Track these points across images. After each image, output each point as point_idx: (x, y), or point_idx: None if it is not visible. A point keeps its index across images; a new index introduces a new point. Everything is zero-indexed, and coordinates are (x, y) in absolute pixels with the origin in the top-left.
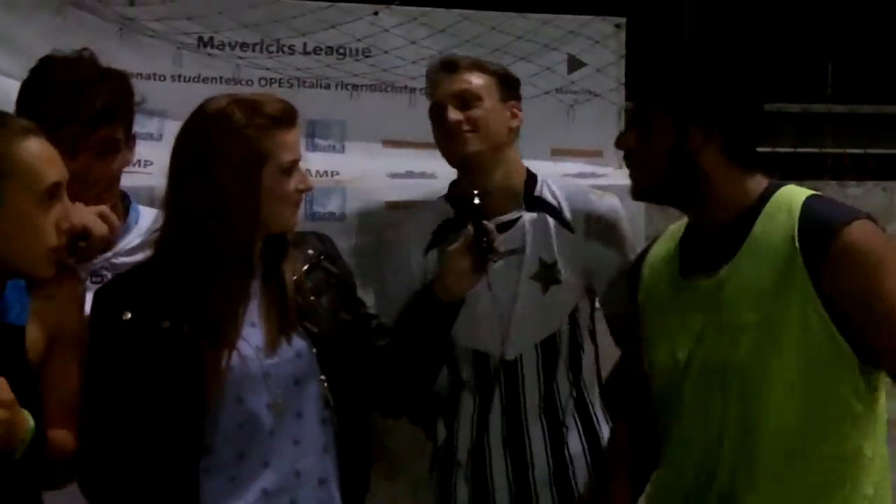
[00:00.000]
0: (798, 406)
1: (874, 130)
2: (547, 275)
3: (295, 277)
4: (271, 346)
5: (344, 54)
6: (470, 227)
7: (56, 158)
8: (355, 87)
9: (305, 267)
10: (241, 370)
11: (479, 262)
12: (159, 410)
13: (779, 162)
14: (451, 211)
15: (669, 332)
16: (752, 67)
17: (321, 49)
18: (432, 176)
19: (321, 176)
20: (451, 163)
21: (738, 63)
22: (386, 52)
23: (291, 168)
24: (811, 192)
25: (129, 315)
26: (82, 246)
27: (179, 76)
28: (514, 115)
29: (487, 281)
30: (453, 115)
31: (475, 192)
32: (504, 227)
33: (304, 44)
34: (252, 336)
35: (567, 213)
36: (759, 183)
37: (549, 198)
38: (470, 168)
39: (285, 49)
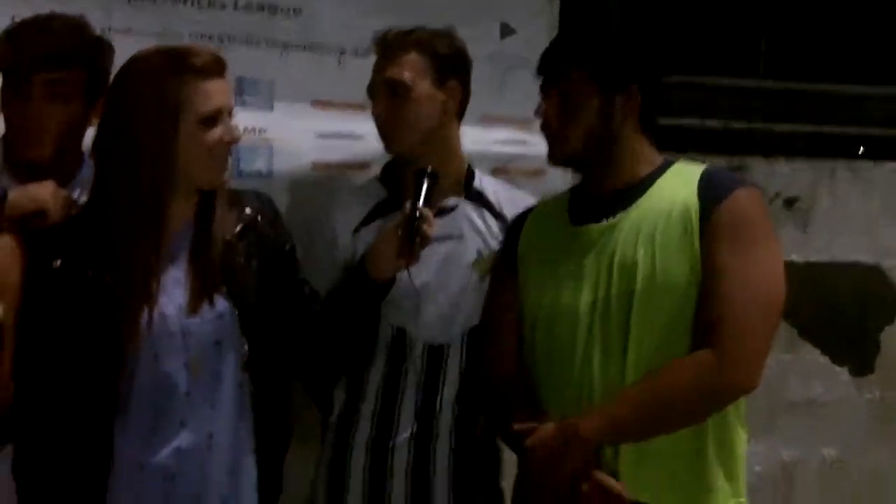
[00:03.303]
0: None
1: (805, 108)
2: (483, 266)
3: (227, 238)
4: (193, 306)
5: (275, 12)
6: (406, 207)
7: None
8: (285, 45)
9: (238, 228)
10: (160, 327)
11: (405, 247)
12: (76, 361)
13: (708, 137)
14: (385, 192)
15: (560, 279)
16: (664, 41)
17: (252, 6)
18: (360, 137)
19: (249, 133)
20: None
21: (656, 36)
22: (317, 13)
23: (215, 118)
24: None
25: (59, 262)
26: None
27: (108, 28)
28: (451, 97)
29: (408, 269)
30: (378, 108)
31: (428, 171)
32: (441, 213)
33: (235, 0)
34: (175, 294)
35: (506, 213)
36: (657, 156)
37: (489, 194)
38: (401, 159)
39: (216, 4)
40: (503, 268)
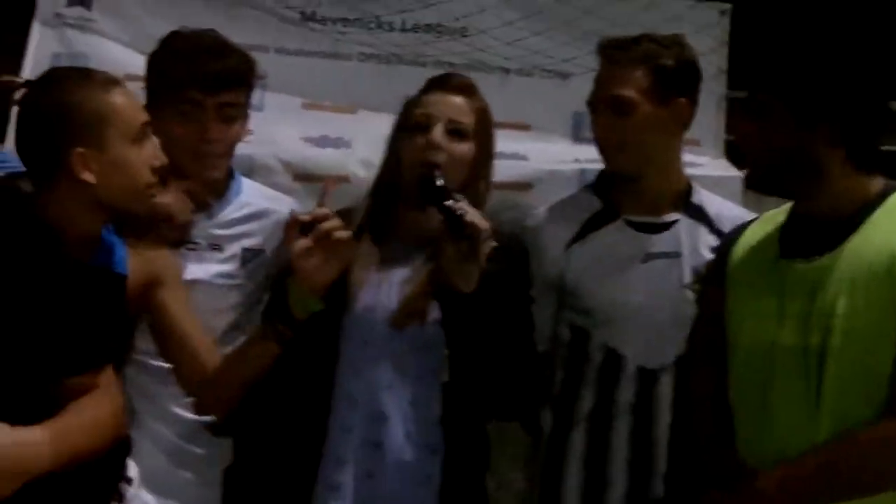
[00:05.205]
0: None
1: None
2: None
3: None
4: (412, 307)
5: (441, 33)
6: (440, 216)
7: (138, 103)
8: (450, 65)
9: None
10: (373, 314)
11: (468, 249)
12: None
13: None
14: (599, 204)
15: (761, 314)
16: (881, 64)
17: (419, 27)
18: (523, 158)
19: None
20: None
21: (867, 60)
22: (482, 32)
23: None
24: None
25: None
26: (165, 230)
27: (282, 49)
28: (676, 115)
29: None
30: (598, 125)
31: (434, 174)
32: (658, 229)
33: (403, 21)
34: (398, 290)
35: (725, 230)
36: (877, 182)
37: (709, 209)
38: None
39: (384, 26)
40: (712, 284)
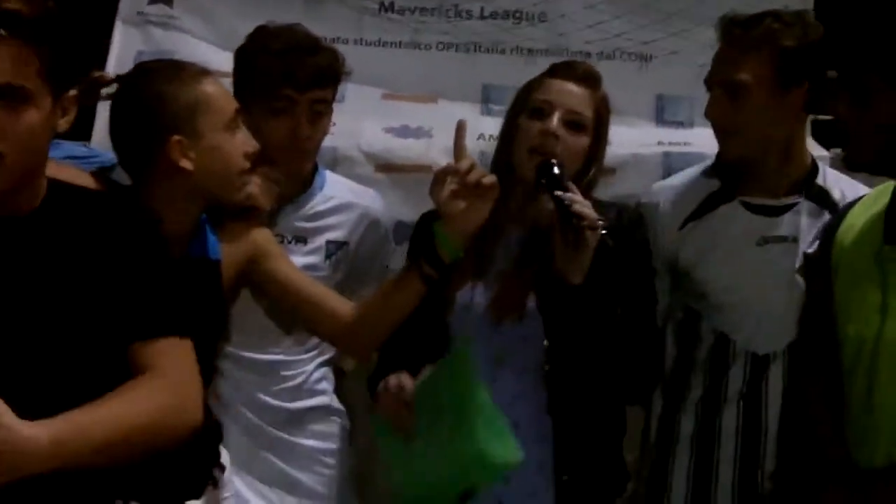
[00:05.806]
0: None
1: None
2: None
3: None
4: (511, 300)
5: (520, 19)
6: (551, 203)
7: (229, 92)
8: (530, 51)
9: None
10: (471, 311)
11: (575, 238)
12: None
13: None
14: (718, 183)
15: (865, 305)
16: None
17: (497, 14)
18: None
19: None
20: None
21: None
22: (562, 17)
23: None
24: None
25: None
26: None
27: (361, 40)
28: (797, 100)
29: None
30: (711, 107)
31: (552, 161)
32: (776, 212)
33: (482, 8)
34: (492, 285)
35: None
36: None
37: (834, 192)
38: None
39: (463, 14)
40: (818, 270)
